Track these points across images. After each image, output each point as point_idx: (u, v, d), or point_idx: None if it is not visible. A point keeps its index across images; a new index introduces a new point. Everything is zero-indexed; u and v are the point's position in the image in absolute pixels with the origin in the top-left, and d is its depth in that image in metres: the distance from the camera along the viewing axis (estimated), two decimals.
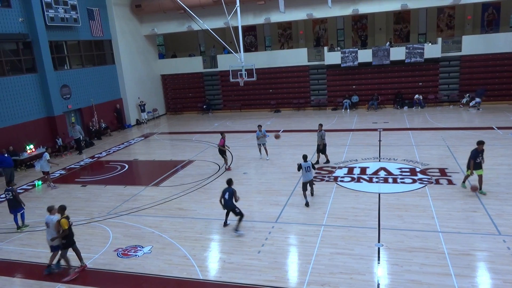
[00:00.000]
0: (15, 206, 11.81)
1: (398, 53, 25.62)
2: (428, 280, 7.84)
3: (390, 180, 13.49)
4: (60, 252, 9.09)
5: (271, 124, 24.51)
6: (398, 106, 26.41)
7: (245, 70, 20.61)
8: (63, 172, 17.88)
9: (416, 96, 25.97)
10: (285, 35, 31.88)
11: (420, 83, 26.58)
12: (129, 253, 9.89)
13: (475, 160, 11.57)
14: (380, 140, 18.64)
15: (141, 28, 28.93)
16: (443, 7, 27.60)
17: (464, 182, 12.29)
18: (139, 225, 11.48)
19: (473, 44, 25.07)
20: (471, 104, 24.61)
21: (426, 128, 20.39)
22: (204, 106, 30.58)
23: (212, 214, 11.89)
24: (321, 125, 15.65)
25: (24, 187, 16.11)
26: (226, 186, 10.73)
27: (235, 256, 9.36)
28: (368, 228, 10.20)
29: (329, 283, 8.00)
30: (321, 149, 15.55)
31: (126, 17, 27.31)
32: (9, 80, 18.93)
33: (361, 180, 13.67)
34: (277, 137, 16.25)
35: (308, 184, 11.93)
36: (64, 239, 8.94)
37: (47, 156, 15.36)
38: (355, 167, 15.05)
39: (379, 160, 15.65)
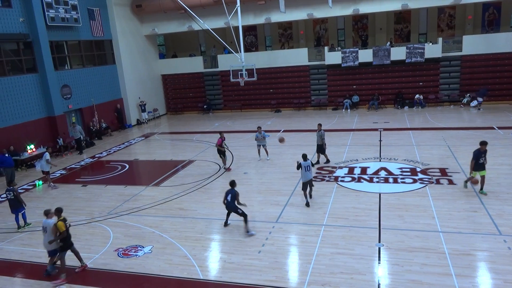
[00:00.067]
0: (16, 206, 11.82)
1: (398, 53, 25.60)
2: (428, 280, 7.84)
3: (391, 180, 13.48)
4: (58, 255, 9.03)
5: (271, 124, 24.52)
6: (399, 106, 26.40)
7: (246, 70, 20.62)
8: (63, 172, 17.89)
9: (417, 96, 25.96)
10: (285, 35, 31.87)
11: (421, 83, 26.57)
12: (129, 253, 9.89)
13: (478, 161, 11.50)
14: (380, 140, 18.64)
15: (141, 28, 28.94)
16: (443, 7, 27.57)
17: (466, 182, 12.20)
18: (139, 225, 11.48)
19: (474, 44, 25.06)
20: (471, 104, 24.62)
21: (427, 128, 20.38)
22: (205, 106, 30.58)
23: (212, 214, 11.89)
24: (320, 125, 15.65)
25: (25, 187, 16.13)
26: (228, 187, 10.67)
27: (235, 256, 9.36)
28: (369, 228, 10.19)
29: (330, 283, 8.00)
30: (321, 149, 15.53)
31: (127, 17, 27.32)
32: (9, 80, 18.95)
33: (362, 180, 13.66)
34: (281, 141, 15.59)
35: (308, 185, 11.90)
36: (61, 242, 8.89)
37: (47, 156, 15.38)
38: (356, 167, 15.04)
39: (380, 160, 15.65)
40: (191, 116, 30.18)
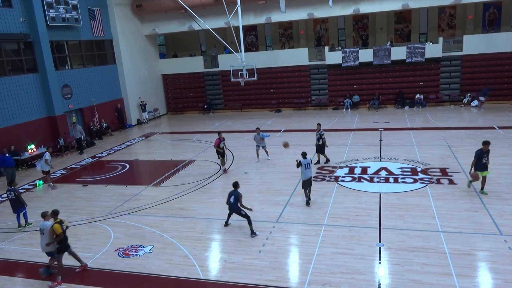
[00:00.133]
0: (18, 206, 11.84)
1: (399, 52, 25.59)
2: (429, 280, 7.83)
3: (391, 179, 13.48)
4: (55, 257, 9.01)
5: (272, 124, 24.52)
6: (399, 106, 26.39)
7: (246, 69, 20.62)
8: (64, 171, 17.90)
9: (417, 95, 25.94)
10: (286, 34, 31.87)
11: (421, 83, 26.56)
12: (130, 253, 9.89)
13: (481, 161, 11.45)
14: (381, 140, 18.63)
15: (142, 28, 28.95)
16: (444, 7, 27.55)
17: (471, 182, 12.09)
18: (140, 225, 11.48)
19: (474, 44, 25.04)
20: (472, 104, 24.61)
21: (427, 127, 20.37)
22: (205, 106, 30.58)
23: (213, 213, 11.89)
24: (319, 124, 15.63)
25: (25, 186, 16.14)
26: (231, 188, 10.62)
27: (236, 255, 9.36)
28: (369, 227, 10.19)
29: (330, 283, 8.00)
30: (321, 148, 15.53)
31: (127, 17, 27.33)
32: (10, 80, 18.96)
33: (362, 180, 13.66)
34: (285, 146, 14.43)
35: (308, 184, 11.86)
36: (58, 244, 8.86)
37: (46, 156, 15.38)
38: (356, 166, 15.04)
39: (380, 160, 15.64)
40: (191, 116, 30.19)
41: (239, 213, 10.34)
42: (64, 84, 22.16)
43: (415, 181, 13.18)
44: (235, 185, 10.57)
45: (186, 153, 19.17)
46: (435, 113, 23.98)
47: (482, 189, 11.73)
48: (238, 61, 20.95)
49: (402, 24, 29.35)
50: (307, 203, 11.78)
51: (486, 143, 11.51)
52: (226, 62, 28.08)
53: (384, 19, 28.97)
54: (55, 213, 9.02)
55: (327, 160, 15.75)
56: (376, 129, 20.76)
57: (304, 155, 11.89)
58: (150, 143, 22.55)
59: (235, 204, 10.32)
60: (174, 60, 31.71)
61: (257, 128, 16.77)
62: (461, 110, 24.31)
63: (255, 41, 32.43)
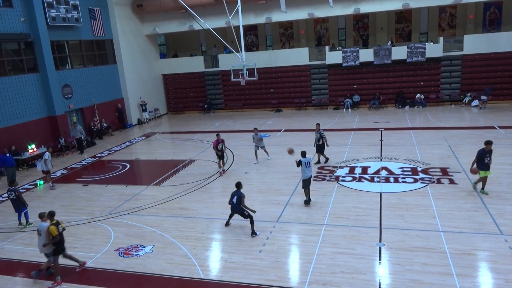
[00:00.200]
0: (19, 206, 11.85)
1: (399, 52, 25.58)
2: (429, 280, 7.83)
3: (392, 179, 13.47)
4: (51, 258, 8.98)
5: (272, 123, 24.51)
6: (400, 106, 26.38)
7: (246, 69, 20.63)
8: (64, 171, 17.91)
9: (418, 95, 25.93)
10: (286, 34, 31.86)
11: (422, 83, 26.54)
12: (130, 253, 9.90)
13: (483, 161, 11.41)
14: (381, 140, 18.62)
15: (142, 27, 28.95)
16: (444, 6, 27.54)
17: (477, 184, 11.92)
18: (140, 225, 11.49)
19: (475, 44, 25.02)
20: (473, 104, 24.59)
21: (428, 127, 20.36)
22: (206, 106, 30.58)
23: (213, 213, 11.89)
24: (318, 124, 15.60)
25: (26, 186, 16.15)
26: (234, 188, 10.60)
27: (236, 255, 9.36)
28: (370, 227, 10.19)
29: (331, 283, 8.00)
30: (321, 148, 15.52)
31: (128, 16, 27.33)
32: (10, 80, 18.97)
33: (363, 180, 13.65)
34: (290, 152, 13.29)
35: (308, 183, 11.84)
36: (54, 245, 8.85)
37: (45, 156, 15.39)
38: (357, 166, 15.03)
39: (381, 160, 15.64)
40: (192, 116, 30.19)
41: (242, 214, 10.29)
42: (64, 84, 22.17)
43: (416, 181, 13.17)
44: (238, 185, 10.53)
45: (187, 153, 19.18)
46: (435, 112, 23.97)
47: (482, 188, 11.72)
48: (239, 61, 20.95)
49: (403, 24, 29.33)
50: (306, 202, 11.76)
51: (488, 143, 11.47)
52: (226, 62, 28.08)
53: (385, 18, 28.95)
54: (51, 215, 9.00)
55: (326, 159, 15.75)
56: (377, 129, 20.75)
57: (303, 154, 11.89)
58: (151, 143, 22.56)
59: (237, 205, 10.27)
60: (175, 60, 31.72)
61: (255, 129, 16.69)
62: (462, 110, 24.29)
63: (256, 41, 32.43)
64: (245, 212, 10.26)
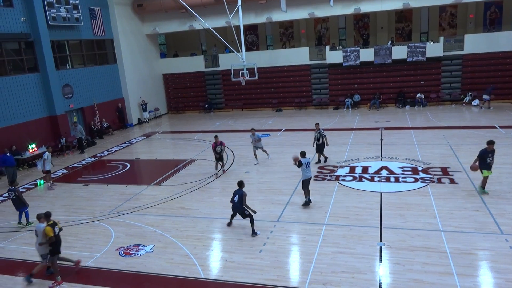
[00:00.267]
0: (19, 205, 11.87)
1: (400, 52, 25.56)
2: (430, 279, 7.83)
3: (392, 179, 13.47)
4: (49, 259, 8.96)
5: (272, 123, 24.51)
6: (400, 105, 26.36)
7: (247, 69, 20.62)
8: (65, 171, 17.92)
9: (418, 95, 25.92)
10: (286, 34, 31.85)
11: (422, 82, 26.53)
12: (131, 252, 9.90)
13: (485, 161, 11.39)
14: (382, 139, 18.62)
15: (142, 27, 28.95)
16: (445, 6, 27.52)
17: (483, 187, 11.77)
18: (141, 224, 11.49)
19: (475, 43, 25.00)
20: (473, 103, 24.57)
21: (428, 127, 20.35)
22: (206, 105, 30.58)
23: (214, 213, 11.89)
24: (318, 124, 15.56)
25: (27, 186, 16.16)
26: (236, 186, 10.59)
27: (236, 255, 9.36)
28: (370, 227, 10.18)
29: (331, 282, 8.00)
30: (321, 148, 15.50)
31: (128, 16, 27.33)
32: (11, 79, 18.97)
33: (363, 179, 13.65)
34: (296, 160, 12.43)
35: (308, 183, 11.81)
36: (50, 246, 8.84)
37: (45, 155, 15.39)
38: (357, 166, 15.03)
39: (381, 159, 15.63)
40: (192, 116, 30.19)
41: (243, 213, 10.28)
42: (65, 84, 22.18)
43: (416, 180, 13.17)
44: (240, 184, 10.52)
45: (187, 152, 19.18)
46: (436, 112, 23.96)
47: (483, 188, 11.69)
48: (239, 60, 20.95)
49: (403, 23, 29.31)
50: (306, 204, 11.70)
51: (490, 143, 11.41)
52: (226, 61, 28.07)
53: (385, 18, 28.93)
54: (47, 216, 9.00)
55: (326, 159, 15.74)
56: (377, 129, 20.74)
57: (303, 154, 11.88)
58: (151, 142, 22.56)
59: (239, 203, 10.24)
60: (175, 60, 31.72)
61: (252, 129, 16.61)
62: (462, 109, 24.28)
63: (256, 41, 32.42)
64: (246, 211, 10.25)
